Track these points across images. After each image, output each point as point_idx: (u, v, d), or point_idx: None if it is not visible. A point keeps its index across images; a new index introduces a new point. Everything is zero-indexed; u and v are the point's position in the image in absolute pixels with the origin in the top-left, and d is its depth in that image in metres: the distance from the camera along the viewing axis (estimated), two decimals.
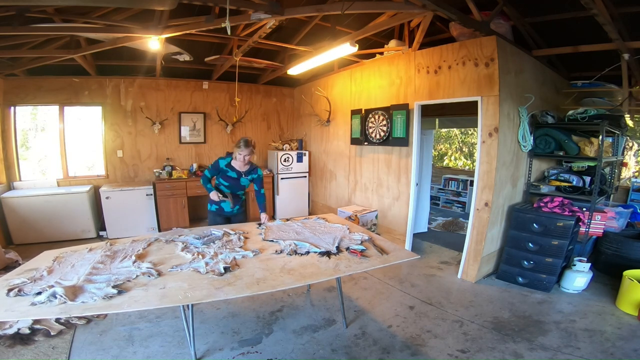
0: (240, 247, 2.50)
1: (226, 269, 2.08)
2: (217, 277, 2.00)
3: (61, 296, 1.71)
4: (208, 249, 2.43)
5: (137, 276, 2.00)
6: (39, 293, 1.77)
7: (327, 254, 2.37)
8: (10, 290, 1.83)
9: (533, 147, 3.63)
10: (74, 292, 1.79)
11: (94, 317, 2.69)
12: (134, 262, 2.20)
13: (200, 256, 2.30)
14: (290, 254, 2.37)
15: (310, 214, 6.33)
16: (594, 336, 2.55)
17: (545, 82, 3.99)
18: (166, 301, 1.76)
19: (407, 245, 4.14)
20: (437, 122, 7.59)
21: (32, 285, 1.90)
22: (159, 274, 2.05)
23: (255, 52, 4.80)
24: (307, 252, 2.41)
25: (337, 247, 2.48)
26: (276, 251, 2.44)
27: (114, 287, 1.84)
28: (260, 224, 3.09)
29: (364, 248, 2.45)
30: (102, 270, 2.10)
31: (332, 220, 3.19)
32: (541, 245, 3.29)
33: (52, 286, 1.83)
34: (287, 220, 3.27)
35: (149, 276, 2.00)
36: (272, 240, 2.64)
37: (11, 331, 2.42)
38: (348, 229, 2.90)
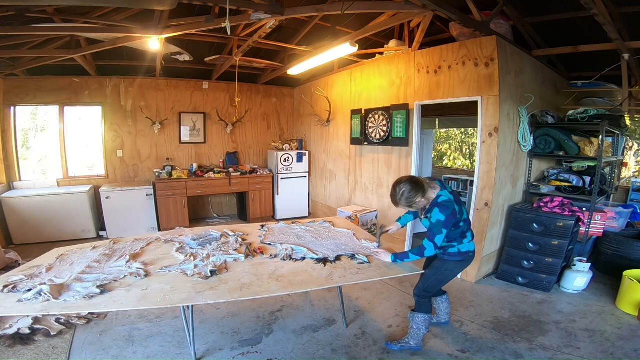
0: (235, 249, 2.45)
1: (213, 272, 2.04)
2: (202, 280, 1.97)
3: (45, 294, 1.73)
4: (202, 251, 2.42)
5: (124, 276, 2.00)
6: (29, 290, 1.78)
7: (324, 261, 2.27)
8: (5, 286, 1.84)
9: (533, 147, 3.63)
10: (59, 291, 1.80)
11: (94, 317, 2.69)
12: (127, 261, 2.21)
13: (192, 258, 2.28)
14: (284, 259, 2.30)
15: (310, 214, 6.34)
16: (594, 336, 2.55)
17: (545, 82, 3.99)
18: (144, 303, 1.76)
19: (407, 246, 4.14)
20: (437, 122, 7.58)
21: (27, 282, 1.92)
22: (147, 274, 2.04)
23: (255, 52, 4.80)
24: (303, 258, 2.32)
25: (337, 255, 2.35)
26: (270, 255, 2.37)
27: (98, 286, 1.85)
28: (263, 226, 3.05)
29: (367, 261, 2.28)
30: (96, 269, 2.11)
31: (338, 224, 3.15)
32: (541, 245, 3.29)
33: (44, 283, 1.85)
34: (292, 222, 3.22)
35: (136, 277, 2.00)
36: (269, 244, 2.60)
37: (11, 331, 2.42)
38: (354, 234, 2.83)
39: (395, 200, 2.14)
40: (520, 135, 3.49)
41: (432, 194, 2.14)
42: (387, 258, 2.28)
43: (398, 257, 2.25)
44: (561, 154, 3.58)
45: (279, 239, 2.72)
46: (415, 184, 2.09)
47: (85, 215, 4.74)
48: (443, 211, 2.05)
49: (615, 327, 2.67)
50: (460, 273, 3.52)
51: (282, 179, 5.96)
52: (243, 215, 6.13)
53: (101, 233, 4.91)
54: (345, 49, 3.52)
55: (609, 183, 3.98)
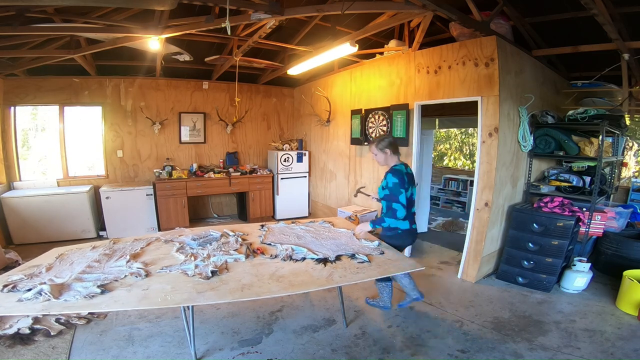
0: (236, 249, 2.45)
1: (213, 273, 2.04)
2: (203, 280, 1.97)
3: (46, 294, 1.73)
4: (202, 251, 2.41)
5: (125, 276, 2.00)
6: (29, 290, 1.78)
7: (324, 261, 2.28)
8: (5, 286, 1.84)
9: (533, 147, 3.63)
10: (59, 290, 1.80)
11: (94, 317, 2.69)
12: (128, 261, 2.20)
13: (192, 258, 2.27)
14: (284, 259, 2.30)
15: (310, 214, 6.34)
16: (594, 336, 2.55)
17: (545, 82, 3.99)
18: (145, 303, 1.76)
19: None
20: (437, 122, 7.59)
21: (27, 281, 1.92)
22: (147, 274, 2.03)
23: (255, 52, 4.80)
24: (303, 259, 2.32)
25: (338, 255, 2.36)
26: (271, 255, 2.37)
27: (99, 286, 1.84)
28: (262, 226, 3.05)
29: (367, 260, 2.29)
30: (96, 269, 2.11)
31: (338, 224, 3.15)
32: (541, 245, 3.29)
33: (44, 283, 1.85)
34: (292, 222, 3.22)
35: (137, 276, 2.00)
36: (269, 244, 2.59)
37: (11, 331, 2.42)
38: (354, 234, 2.83)
39: (373, 141, 2.62)
40: (520, 135, 3.49)
41: (392, 161, 2.60)
42: (367, 227, 2.58)
43: (375, 222, 2.55)
44: (561, 154, 3.58)
45: (279, 239, 2.72)
46: (394, 144, 2.63)
47: (85, 215, 4.74)
48: (395, 175, 2.46)
49: (615, 327, 2.67)
50: (460, 273, 3.54)
51: (282, 179, 5.96)
52: (243, 215, 6.13)
53: (101, 233, 4.91)
54: (345, 49, 3.53)
55: (609, 183, 3.98)
